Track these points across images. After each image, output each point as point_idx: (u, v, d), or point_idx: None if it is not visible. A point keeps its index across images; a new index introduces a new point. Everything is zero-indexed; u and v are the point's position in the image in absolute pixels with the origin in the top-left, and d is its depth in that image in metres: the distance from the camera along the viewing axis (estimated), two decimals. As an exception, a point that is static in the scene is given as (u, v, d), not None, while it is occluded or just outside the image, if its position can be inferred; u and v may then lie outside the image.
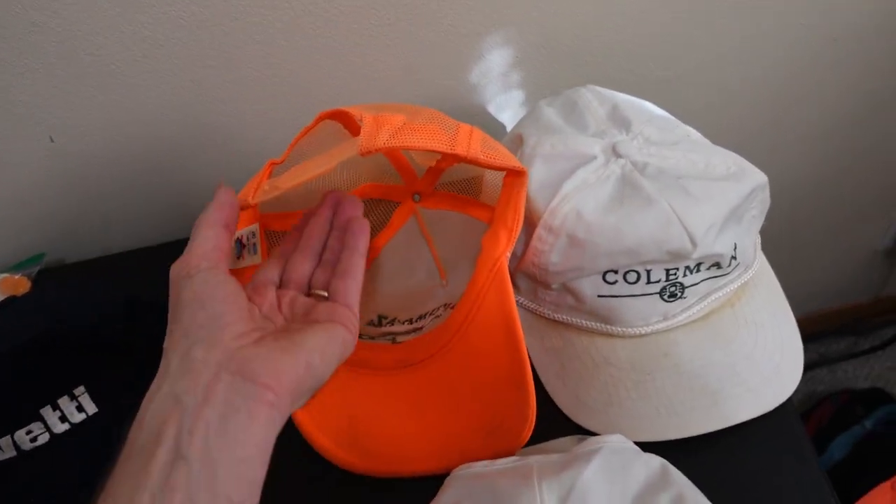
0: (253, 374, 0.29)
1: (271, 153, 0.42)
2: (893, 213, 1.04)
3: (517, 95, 0.65)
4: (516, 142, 0.51)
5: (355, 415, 0.45)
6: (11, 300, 0.50)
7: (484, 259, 0.44)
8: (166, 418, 0.28)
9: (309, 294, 0.38)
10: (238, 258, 0.42)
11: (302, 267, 0.39)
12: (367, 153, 0.36)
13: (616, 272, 0.45)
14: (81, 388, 0.47)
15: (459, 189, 0.56)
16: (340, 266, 0.39)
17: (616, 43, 0.64)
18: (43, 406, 0.45)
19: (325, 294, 0.38)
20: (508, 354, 0.43)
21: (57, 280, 0.63)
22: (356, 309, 0.37)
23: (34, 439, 0.45)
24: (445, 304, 0.50)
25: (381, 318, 0.52)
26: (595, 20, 0.61)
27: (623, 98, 0.52)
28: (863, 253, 1.12)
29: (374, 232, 0.56)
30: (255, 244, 0.43)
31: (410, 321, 0.51)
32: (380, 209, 0.57)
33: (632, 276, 0.46)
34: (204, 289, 0.32)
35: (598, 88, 0.53)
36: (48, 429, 0.45)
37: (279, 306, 0.37)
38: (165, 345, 0.32)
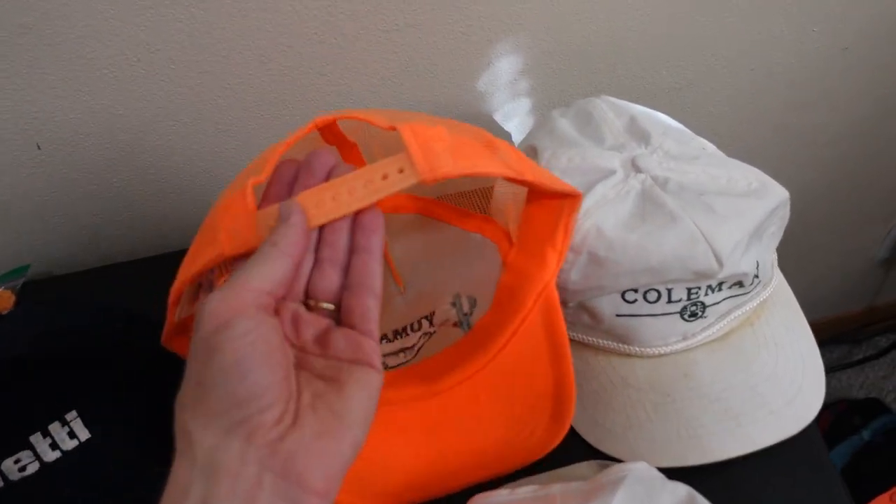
0: (299, 476, 0.25)
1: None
2: (892, 222, 1.04)
3: (525, 104, 0.64)
4: (529, 154, 0.49)
5: (362, 454, 0.42)
6: (-5, 318, 0.48)
7: (527, 282, 0.42)
8: None
9: (310, 307, 0.30)
10: (195, 300, 0.36)
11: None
12: (433, 181, 0.27)
13: (636, 291, 0.44)
14: (73, 413, 0.44)
15: (422, 189, 0.51)
16: (354, 275, 0.30)
17: (628, 50, 0.62)
18: (33, 433, 0.42)
19: (332, 307, 0.30)
20: (555, 377, 0.42)
21: (43, 293, 0.60)
22: (377, 335, 0.30)
23: (23, 469, 0.42)
24: (426, 317, 0.48)
25: None
26: (607, 27, 0.60)
27: (639, 110, 0.50)
28: (859, 262, 1.12)
29: None
30: (211, 281, 0.36)
31: (387, 338, 0.48)
32: None
33: (652, 296, 0.44)
34: (248, 349, 0.25)
35: (613, 99, 0.52)
36: (38, 457, 0.42)
37: (281, 326, 0.29)
38: (187, 416, 0.26)
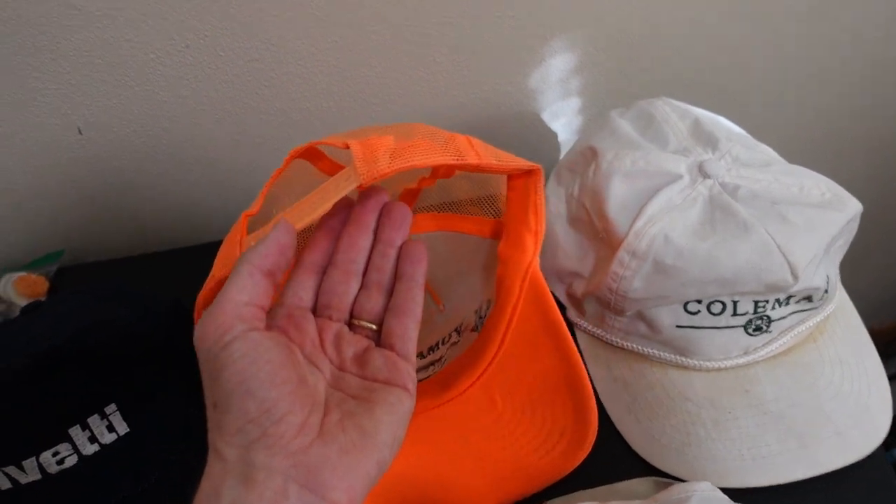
0: (324, 488, 0.26)
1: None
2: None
3: (574, 103, 0.62)
4: (587, 155, 0.48)
5: (399, 472, 0.40)
6: (36, 304, 0.46)
7: (511, 269, 0.41)
8: None
9: (352, 325, 0.32)
10: None
11: (343, 288, 0.32)
12: (371, 181, 0.31)
13: (699, 302, 0.42)
14: (113, 406, 0.43)
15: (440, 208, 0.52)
16: (397, 301, 0.32)
17: (682, 52, 0.61)
18: (72, 425, 0.41)
19: (374, 327, 0.33)
20: (560, 361, 0.41)
21: (76, 280, 0.59)
22: (414, 358, 0.32)
23: (61, 462, 0.41)
24: (456, 329, 0.47)
25: None
26: (664, 29, 0.58)
27: (701, 113, 0.49)
28: (893, 273, 1.09)
29: None
30: None
31: (422, 355, 0.48)
32: None
33: (716, 307, 0.42)
34: (247, 366, 0.26)
35: (673, 101, 0.50)
36: (77, 450, 0.41)
37: (322, 345, 0.31)
38: (213, 436, 0.27)
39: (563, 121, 0.63)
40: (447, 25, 0.53)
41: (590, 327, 0.48)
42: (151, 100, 0.53)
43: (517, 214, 0.41)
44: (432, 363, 0.47)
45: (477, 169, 0.35)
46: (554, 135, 0.64)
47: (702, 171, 0.43)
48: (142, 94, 0.52)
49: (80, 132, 0.54)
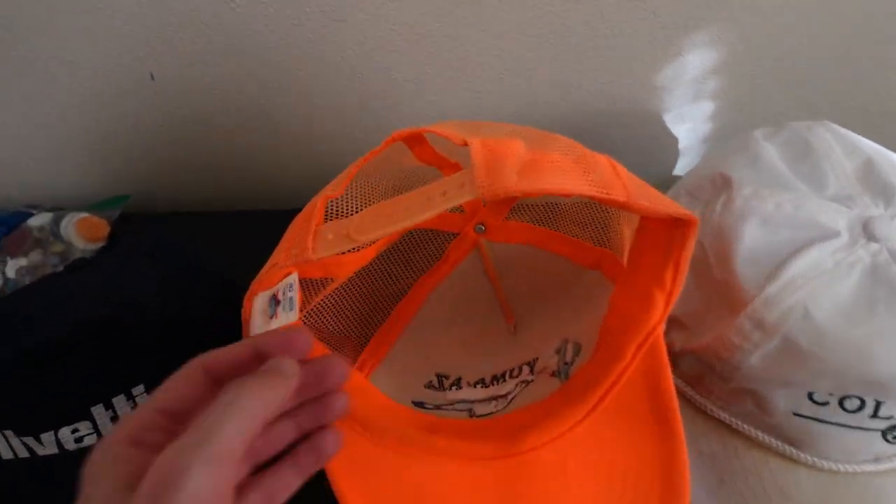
0: None
1: (405, 125, 0.32)
2: None
3: (706, 108, 0.52)
4: (718, 182, 0.39)
5: None
6: (80, 264, 0.43)
7: (627, 327, 0.33)
8: None
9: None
10: (271, 317, 0.33)
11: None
12: (492, 198, 0.25)
13: (832, 394, 0.34)
14: (141, 388, 0.40)
15: (536, 217, 0.45)
16: (274, 486, 0.27)
17: (850, 65, 0.49)
18: (95, 404, 0.39)
19: None
20: (661, 452, 0.33)
21: (138, 229, 0.56)
22: None
23: (80, 439, 0.39)
24: (528, 363, 0.41)
25: (441, 377, 0.42)
26: (830, 35, 0.47)
27: (876, 150, 0.39)
28: None
29: (424, 270, 0.47)
30: (291, 298, 0.33)
31: (483, 383, 0.42)
32: (430, 243, 0.46)
33: (851, 404, 0.34)
34: None
35: (840, 129, 0.40)
36: (97, 430, 0.39)
37: None
38: None
39: (689, 126, 0.54)
40: (574, 2, 0.45)
41: (681, 385, 0.40)
42: (228, 52, 0.48)
43: (648, 266, 0.33)
44: (495, 398, 0.41)
45: (622, 207, 0.28)
46: (675, 140, 0.55)
47: (866, 231, 0.34)
48: (220, 45, 0.48)
49: (152, 77, 0.50)
